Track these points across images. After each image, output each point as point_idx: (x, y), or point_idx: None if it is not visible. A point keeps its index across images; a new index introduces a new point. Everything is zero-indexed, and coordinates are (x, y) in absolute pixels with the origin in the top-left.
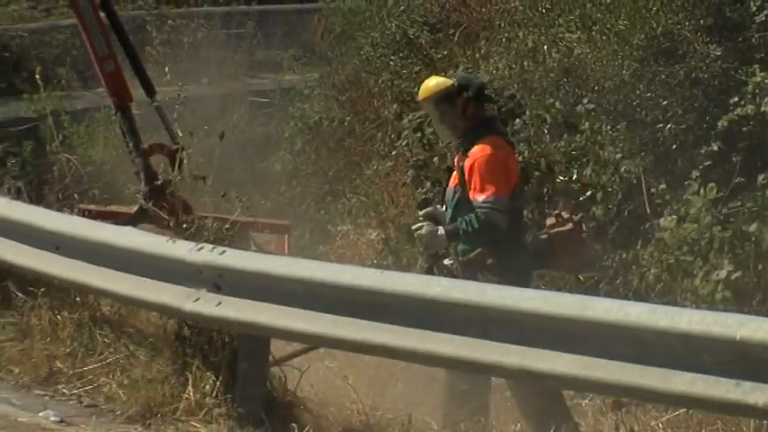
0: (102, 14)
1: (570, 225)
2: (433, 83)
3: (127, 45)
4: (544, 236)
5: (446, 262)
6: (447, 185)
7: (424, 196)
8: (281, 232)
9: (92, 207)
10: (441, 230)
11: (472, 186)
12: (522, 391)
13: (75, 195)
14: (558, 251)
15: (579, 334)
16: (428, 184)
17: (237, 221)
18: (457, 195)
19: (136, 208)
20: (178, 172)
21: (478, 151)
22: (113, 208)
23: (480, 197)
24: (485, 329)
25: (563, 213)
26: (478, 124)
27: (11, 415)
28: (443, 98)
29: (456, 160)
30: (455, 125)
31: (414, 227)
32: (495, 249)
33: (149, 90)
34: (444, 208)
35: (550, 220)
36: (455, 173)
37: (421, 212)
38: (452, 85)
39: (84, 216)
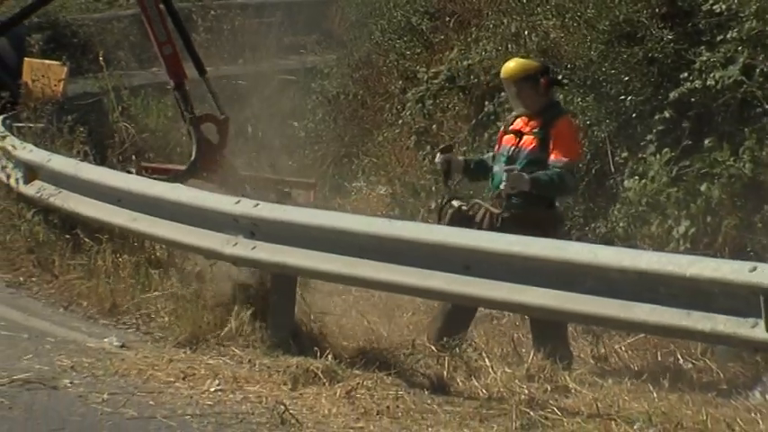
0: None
1: None
2: (513, 64)
3: (182, 31)
4: None
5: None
6: (509, 148)
7: (447, 143)
8: (308, 189)
9: (150, 164)
10: (526, 175)
11: (558, 150)
12: (535, 323)
13: (133, 157)
14: None
15: (555, 272)
16: (428, 147)
17: (271, 179)
18: (531, 156)
19: (186, 166)
20: (222, 140)
21: (566, 123)
22: (168, 165)
23: (564, 159)
24: (478, 269)
25: None
26: (553, 103)
27: (80, 341)
28: (525, 78)
29: (521, 126)
30: (532, 102)
31: (505, 168)
32: (545, 210)
33: (201, 69)
34: (495, 168)
35: None
36: (527, 138)
37: (443, 156)
38: (534, 67)
39: (144, 172)
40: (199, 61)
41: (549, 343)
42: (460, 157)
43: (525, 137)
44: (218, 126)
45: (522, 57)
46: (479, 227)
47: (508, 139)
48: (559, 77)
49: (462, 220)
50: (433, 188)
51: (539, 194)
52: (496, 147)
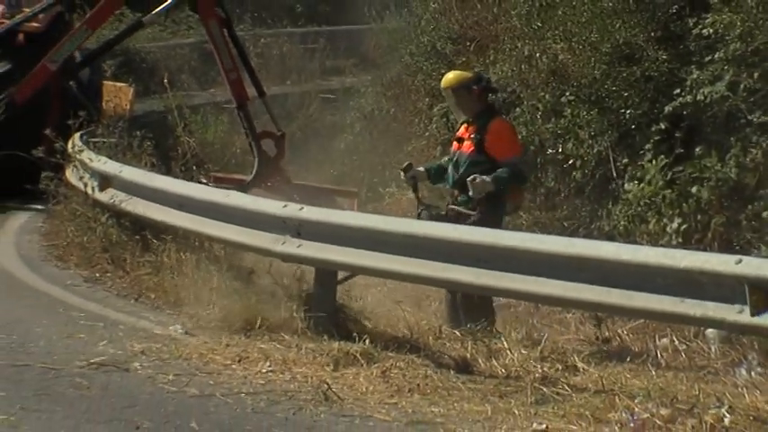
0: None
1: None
2: (453, 75)
3: (244, 58)
4: None
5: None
6: (455, 153)
7: (407, 162)
8: (351, 197)
9: (219, 175)
10: (488, 179)
11: (499, 150)
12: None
13: (194, 167)
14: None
15: (563, 265)
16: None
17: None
18: (470, 158)
19: (251, 177)
20: (279, 153)
21: (498, 124)
22: (235, 176)
23: (509, 156)
24: (495, 263)
25: None
26: (488, 108)
27: (149, 329)
28: (460, 87)
29: (462, 132)
30: (469, 108)
31: (469, 178)
32: (493, 199)
33: (260, 92)
34: (444, 170)
35: None
36: (466, 142)
37: (407, 174)
38: (466, 78)
39: (211, 180)
40: (259, 85)
41: (476, 313)
42: (420, 168)
43: (465, 142)
44: (275, 141)
45: (460, 69)
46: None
47: (455, 146)
48: (492, 86)
49: (438, 220)
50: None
51: (498, 195)
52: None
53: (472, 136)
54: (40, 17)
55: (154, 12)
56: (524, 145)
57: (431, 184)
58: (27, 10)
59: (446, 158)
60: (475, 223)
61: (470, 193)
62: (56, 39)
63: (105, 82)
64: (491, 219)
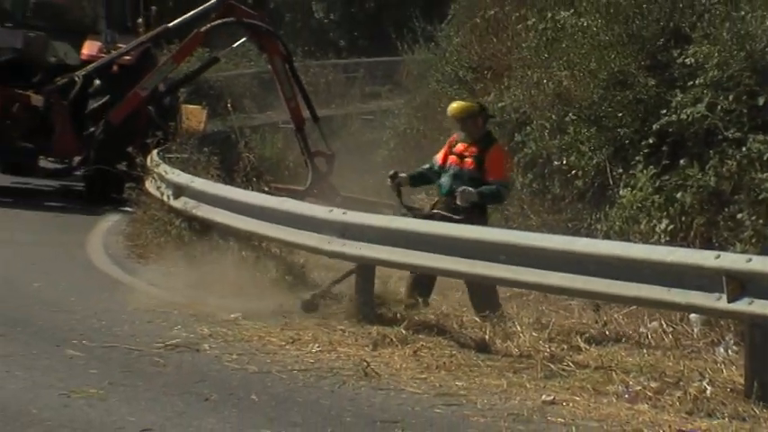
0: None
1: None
2: (458, 105)
3: (301, 87)
4: None
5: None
6: (450, 164)
7: (393, 171)
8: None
9: (278, 185)
10: (474, 191)
11: (493, 172)
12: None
13: (253, 179)
14: None
15: (567, 260)
16: None
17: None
18: (471, 174)
19: (305, 187)
20: (329, 169)
21: (497, 150)
22: (291, 186)
23: (499, 178)
24: (511, 258)
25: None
26: (488, 134)
27: (215, 315)
28: (466, 117)
29: (462, 149)
30: (472, 133)
31: (458, 189)
32: (482, 209)
33: (315, 117)
34: (443, 178)
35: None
36: (468, 160)
37: (393, 180)
38: (475, 109)
39: (274, 191)
40: (314, 111)
41: (483, 302)
42: (403, 175)
43: (466, 159)
44: (326, 159)
45: (464, 100)
46: None
47: (453, 159)
48: (491, 114)
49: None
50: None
51: (481, 205)
52: (441, 160)
53: (474, 156)
54: (132, 52)
55: (228, 49)
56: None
57: (413, 186)
58: (121, 46)
59: (426, 167)
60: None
61: (457, 201)
62: (144, 70)
63: (184, 105)
64: (476, 223)
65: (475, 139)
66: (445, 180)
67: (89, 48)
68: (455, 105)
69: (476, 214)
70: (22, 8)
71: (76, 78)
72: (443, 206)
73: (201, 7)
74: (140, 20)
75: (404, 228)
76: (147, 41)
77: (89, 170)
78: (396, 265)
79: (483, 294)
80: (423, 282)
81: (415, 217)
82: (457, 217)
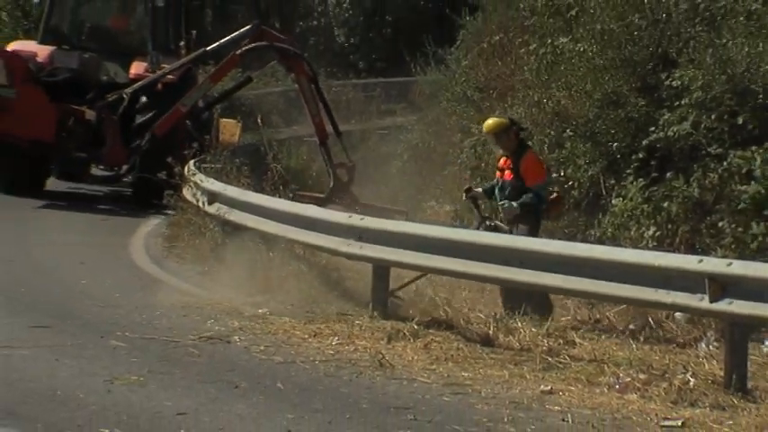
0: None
1: (558, 196)
2: (491, 122)
3: (325, 105)
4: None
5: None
6: (499, 179)
7: (468, 185)
8: (402, 215)
9: (303, 193)
10: (515, 204)
11: (531, 177)
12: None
13: (280, 187)
14: (552, 210)
15: (565, 262)
16: (479, 178)
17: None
18: (511, 184)
19: (326, 195)
20: (350, 178)
21: (531, 157)
22: (315, 194)
23: (537, 182)
24: (517, 261)
25: (554, 189)
26: (521, 143)
27: (245, 310)
28: (501, 131)
29: (503, 164)
30: (507, 146)
31: (500, 203)
32: (532, 214)
33: (337, 132)
34: (494, 190)
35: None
36: (507, 171)
37: (468, 195)
38: (508, 123)
39: (300, 198)
40: (336, 126)
41: (538, 306)
42: (478, 189)
43: (506, 171)
44: (347, 170)
45: (497, 116)
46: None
47: (498, 174)
48: (522, 126)
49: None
50: (473, 209)
51: (533, 212)
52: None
53: (511, 167)
54: (174, 72)
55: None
56: (548, 170)
57: (488, 200)
58: (165, 66)
59: (494, 181)
60: (512, 233)
61: (502, 216)
62: (185, 88)
63: (221, 119)
64: (528, 232)
65: (511, 151)
66: (497, 193)
67: (136, 68)
68: (489, 122)
69: (529, 220)
70: (77, 32)
71: (125, 95)
72: (502, 217)
73: (237, 32)
74: (182, 43)
75: (415, 232)
76: (188, 62)
77: (135, 177)
78: (408, 267)
79: (537, 300)
80: (513, 295)
81: (487, 228)
82: (506, 227)
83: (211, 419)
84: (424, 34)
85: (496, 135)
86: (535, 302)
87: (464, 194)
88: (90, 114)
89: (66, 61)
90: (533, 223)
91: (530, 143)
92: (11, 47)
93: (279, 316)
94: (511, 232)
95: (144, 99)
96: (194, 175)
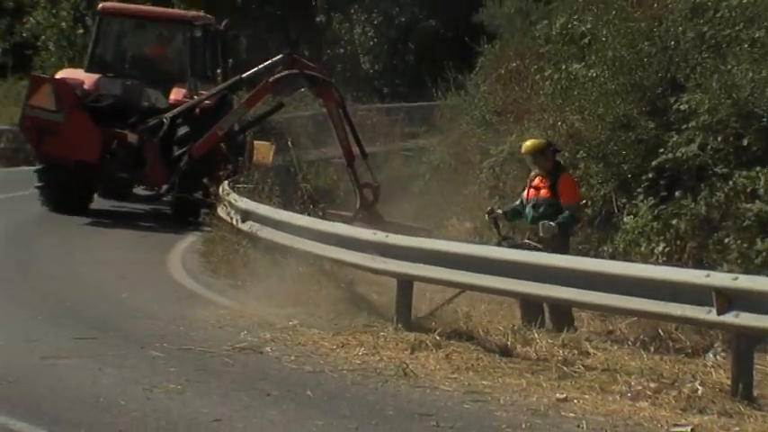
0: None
1: None
2: (530, 143)
3: (352, 128)
4: None
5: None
6: (529, 197)
7: (489, 207)
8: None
9: (332, 211)
10: (554, 224)
11: (566, 197)
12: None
13: (310, 206)
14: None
15: (578, 277)
16: (497, 197)
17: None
18: (547, 201)
19: (353, 214)
20: (376, 198)
21: (567, 178)
22: (342, 212)
23: (572, 203)
24: (533, 276)
25: None
26: (557, 164)
27: (275, 322)
28: (538, 152)
29: (538, 183)
30: (543, 166)
31: (541, 223)
32: (565, 235)
33: (363, 153)
34: (527, 209)
35: None
36: (543, 190)
37: (490, 215)
38: (546, 144)
39: (329, 216)
40: (362, 148)
41: (560, 319)
42: (499, 211)
43: (542, 190)
44: (373, 190)
45: (534, 138)
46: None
47: (532, 192)
48: (558, 149)
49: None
50: (493, 228)
51: (563, 232)
52: (525, 194)
53: (548, 185)
54: (211, 98)
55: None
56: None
57: (508, 222)
58: (203, 92)
59: (517, 203)
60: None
61: (540, 233)
62: (222, 112)
63: (255, 141)
64: (560, 250)
65: (547, 171)
66: (528, 211)
67: (176, 94)
68: (528, 143)
69: (559, 242)
70: (120, 61)
71: (165, 120)
72: (531, 235)
73: (269, 61)
74: (219, 70)
75: (437, 248)
76: (225, 89)
77: (174, 197)
78: (430, 281)
79: (559, 313)
80: (531, 308)
81: (510, 246)
82: (539, 246)
83: (245, 426)
84: (444, 61)
85: (534, 155)
86: (556, 315)
87: (486, 215)
88: (132, 137)
89: (110, 88)
90: (566, 242)
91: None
92: (60, 75)
93: (308, 327)
94: (544, 250)
95: (182, 123)
96: (228, 194)
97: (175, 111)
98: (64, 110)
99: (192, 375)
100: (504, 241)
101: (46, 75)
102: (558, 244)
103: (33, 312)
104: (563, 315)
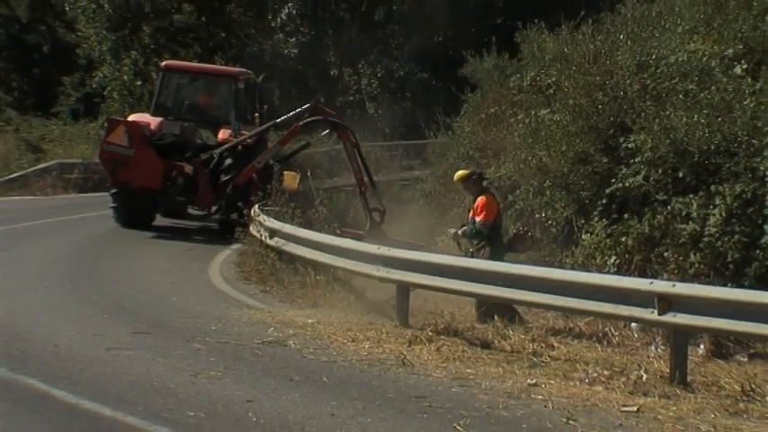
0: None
1: (522, 233)
2: (458, 173)
3: (364, 163)
4: (511, 237)
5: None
6: (469, 217)
7: (453, 230)
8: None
9: (346, 230)
10: (460, 231)
11: (478, 214)
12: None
13: (326, 225)
14: (516, 244)
15: (545, 284)
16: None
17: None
18: (473, 220)
19: (365, 232)
20: (382, 219)
21: (482, 200)
22: (356, 231)
23: (479, 219)
24: (508, 283)
25: (521, 228)
26: (482, 189)
27: (298, 321)
28: (465, 180)
29: (470, 206)
30: (472, 191)
31: (448, 230)
32: (491, 244)
33: (372, 184)
34: (468, 227)
35: (515, 231)
36: (471, 211)
37: (455, 238)
38: (470, 174)
39: (344, 233)
40: (371, 178)
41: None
42: (459, 232)
43: (471, 211)
44: (380, 213)
45: (464, 169)
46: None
47: (471, 213)
48: (484, 177)
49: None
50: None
51: (485, 241)
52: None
53: (472, 207)
54: (252, 138)
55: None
56: (497, 216)
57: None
58: (244, 133)
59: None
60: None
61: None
62: (260, 150)
63: (285, 171)
64: (490, 256)
65: (475, 195)
66: (469, 228)
67: (223, 134)
68: (456, 174)
69: (491, 248)
70: (179, 107)
71: (214, 155)
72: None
73: (298, 108)
74: (257, 114)
75: (429, 260)
76: (262, 130)
77: (220, 216)
78: (425, 287)
79: (503, 308)
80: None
81: (465, 256)
82: (471, 250)
83: (272, 405)
84: (435, 107)
85: (463, 183)
86: (502, 310)
87: (450, 234)
88: (188, 169)
89: (170, 129)
90: (494, 250)
91: (492, 190)
92: (131, 118)
93: (324, 325)
94: (473, 255)
95: (228, 157)
96: (258, 215)
97: (222, 147)
98: (134, 146)
99: (228, 364)
100: (465, 254)
101: (120, 118)
102: (489, 252)
103: (100, 311)
104: (507, 309)
